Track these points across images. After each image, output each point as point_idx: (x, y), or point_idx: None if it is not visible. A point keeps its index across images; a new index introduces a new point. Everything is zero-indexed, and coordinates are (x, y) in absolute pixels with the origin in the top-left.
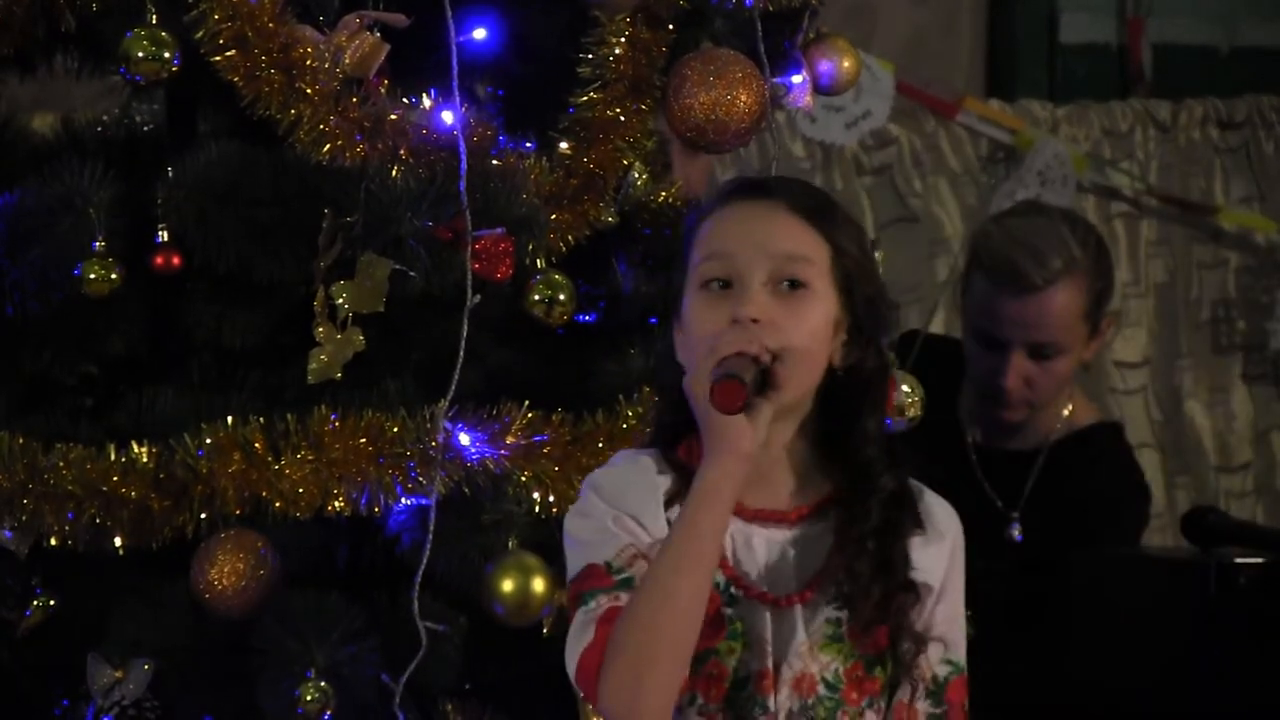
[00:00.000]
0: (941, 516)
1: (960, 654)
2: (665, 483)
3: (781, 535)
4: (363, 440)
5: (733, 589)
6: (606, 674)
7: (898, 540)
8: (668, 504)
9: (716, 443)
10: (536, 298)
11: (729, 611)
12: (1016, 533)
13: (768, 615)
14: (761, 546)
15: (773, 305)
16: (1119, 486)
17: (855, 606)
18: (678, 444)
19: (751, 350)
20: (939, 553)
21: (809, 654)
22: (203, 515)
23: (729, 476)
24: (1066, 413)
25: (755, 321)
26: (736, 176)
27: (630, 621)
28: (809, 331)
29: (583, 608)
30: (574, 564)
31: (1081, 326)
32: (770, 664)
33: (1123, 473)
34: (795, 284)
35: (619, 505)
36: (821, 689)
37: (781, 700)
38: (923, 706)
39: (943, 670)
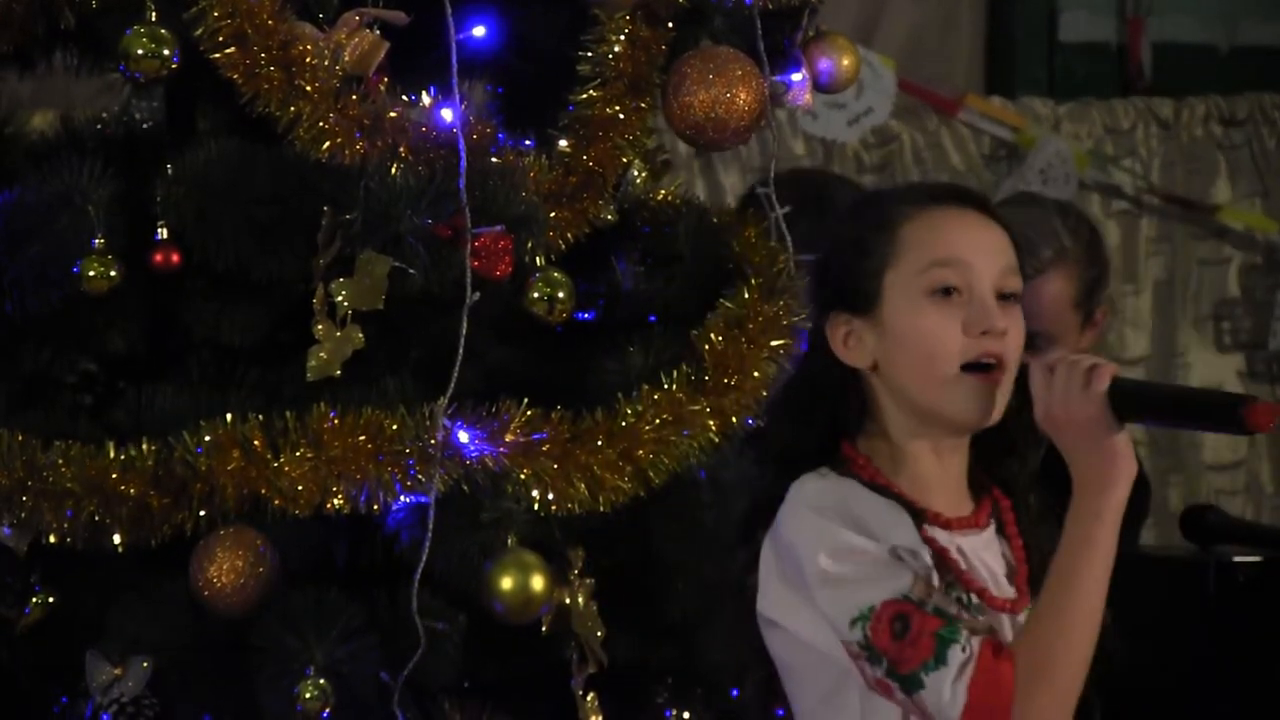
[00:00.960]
0: None
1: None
2: (893, 506)
3: (973, 540)
4: (362, 438)
5: (973, 598)
6: (1029, 703)
7: (1056, 514)
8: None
9: (1117, 467)
10: (536, 295)
11: (985, 620)
12: None
13: (1006, 621)
14: (970, 554)
15: (1002, 316)
16: None
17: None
18: (843, 463)
19: (1114, 367)
20: None
21: None
22: (202, 513)
23: (1125, 494)
24: None
25: (1004, 333)
26: (930, 181)
27: (1052, 649)
28: (1019, 344)
29: (953, 645)
30: (852, 600)
31: (1073, 315)
32: None
33: None
34: (1010, 296)
35: (884, 537)
36: None
37: None
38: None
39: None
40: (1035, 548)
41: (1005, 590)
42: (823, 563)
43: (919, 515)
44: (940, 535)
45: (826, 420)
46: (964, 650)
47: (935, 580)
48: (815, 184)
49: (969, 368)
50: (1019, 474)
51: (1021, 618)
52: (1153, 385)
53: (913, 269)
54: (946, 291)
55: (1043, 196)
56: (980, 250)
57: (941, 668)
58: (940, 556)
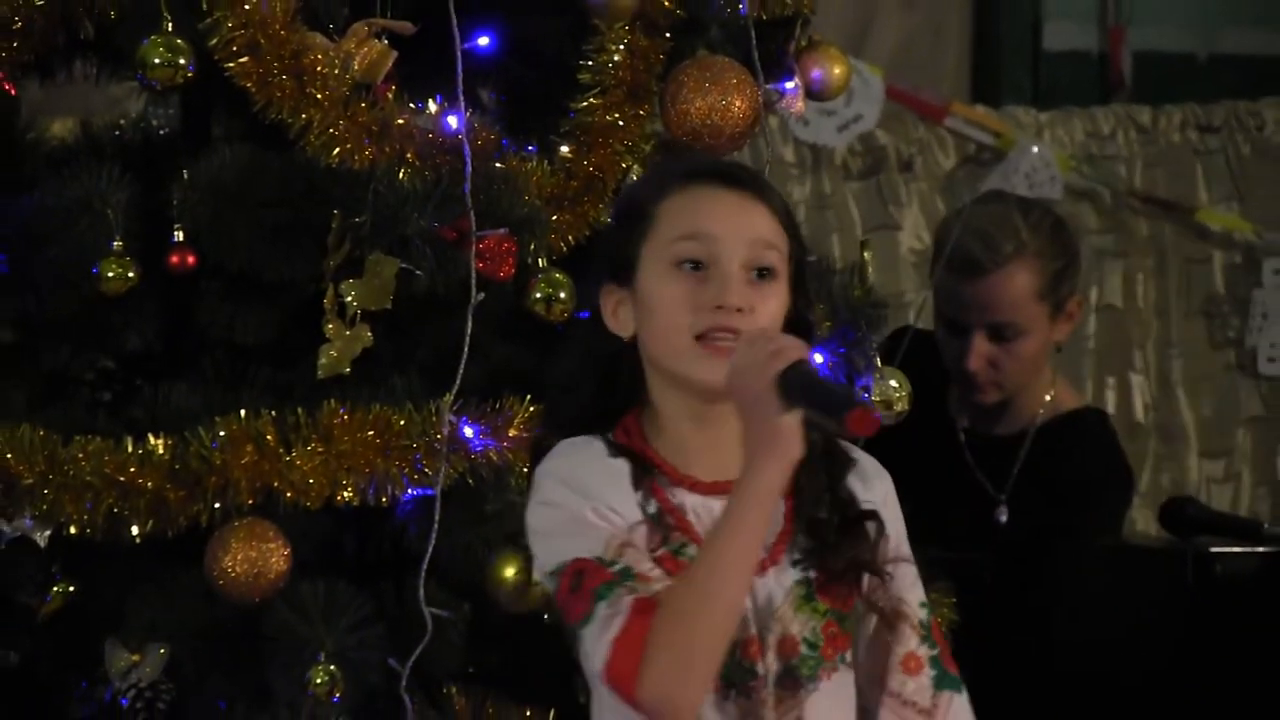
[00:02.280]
0: (871, 465)
1: (924, 597)
2: (623, 466)
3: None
4: (370, 433)
5: None
6: (651, 670)
7: (841, 480)
8: (635, 486)
9: (773, 444)
10: (538, 295)
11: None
12: (1003, 515)
13: (751, 584)
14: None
15: (748, 291)
16: (1102, 469)
17: (824, 555)
18: (612, 425)
19: (803, 352)
20: (877, 491)
21: (788, 617)
22: (216, 505)
23: (782, 477)
24: (1049, 397)
25: (740, 309)
26: (693, 159)
27: (678, 618)
28: (773, 319)
29: (603, 601)
30: (552, 557)
31: (1038, 306)
32: (755, 630)
33: (1106, 456)
34: (765, 272)
35: (590, 495)
36: (804, 648)
37: (769, 663)
38: (923, 651)
39: (922, 614)
40: (808, 500)
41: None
42: (534, 517)
43: (649, 473)
44: (685, 497)
45: (597, 392)
46: (610, 607)
47: (640, 537)
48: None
49: (701, 338)
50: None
51: (770, 579)
52: (816, 379)
53: (664, 241)
54: (696, 265)
55: (1008, 194)
56: (729, 225)
57: (590, 622)
58: (671, 516)
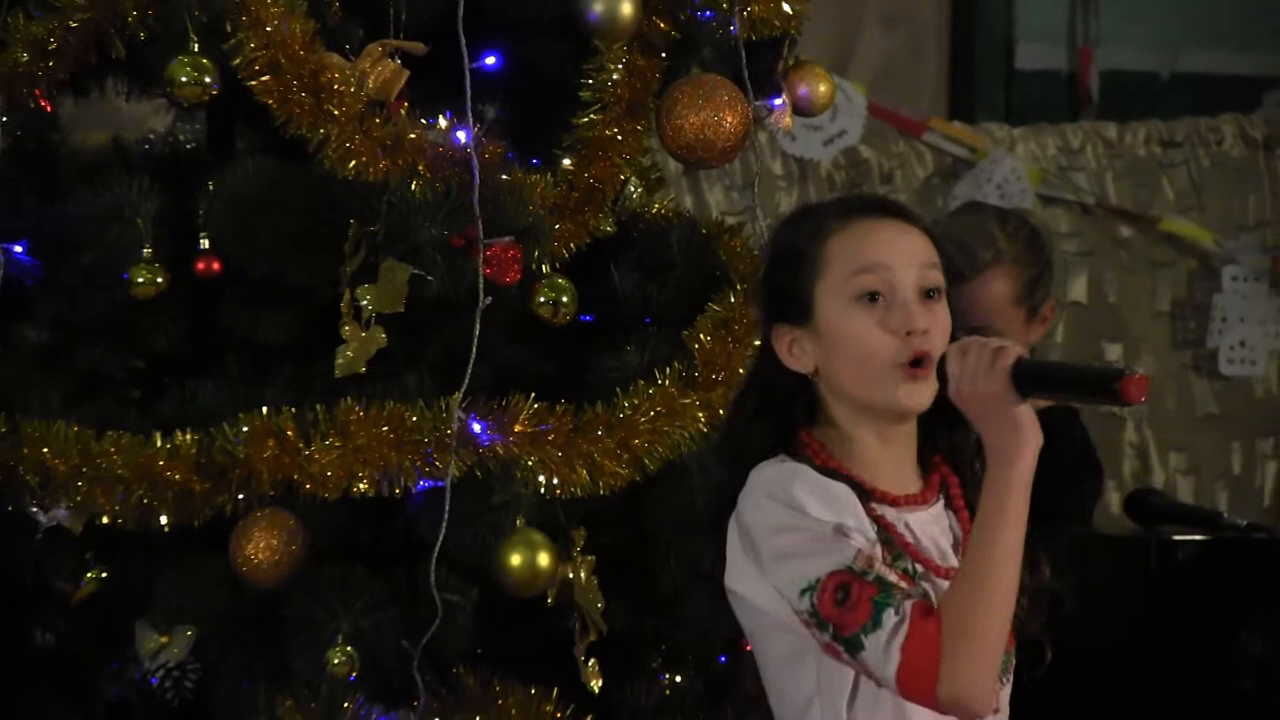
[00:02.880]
0: None
1: None
2: (843, 488)
3: (921, 516)
4: (385, 428)
5: (918, 568)
6: (950, 667)
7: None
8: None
9: (1020, 435)
10: (542, 299)
11: (925, 587)
12: None
13: (945, 586)
14: (916, 528)
15: (926, 314)
16: (1074, 464)
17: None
18: (799, 448)
19: (1019, 348)
20: None
21: None
22: (240, 496)
23: (1033, 462)
24: None
25: (925, 331)
26: (849, 194)
27: (968, 615)
28: (945, 333)
29: (887, 609)
30: (805, 570)
31: (1016, 311)
32: None
33: (1077, 451)
34: (933, 292)
35: (837, 514)
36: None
37: None
38: None
39: None
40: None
41: (950, 560)
42: (774, 541)
43: (866, 494)
44: (888, 512)
45: (777, 420)
46: (897, 614)
47: (878, 552)
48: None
49: (898, 365)
50: (962, 447)
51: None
52: (1050, 363)
53: (839, 278)
54: (872, 297)
55: (985, 205)
56: (898, 254)
57: (878, 630)
58: (887, 531)
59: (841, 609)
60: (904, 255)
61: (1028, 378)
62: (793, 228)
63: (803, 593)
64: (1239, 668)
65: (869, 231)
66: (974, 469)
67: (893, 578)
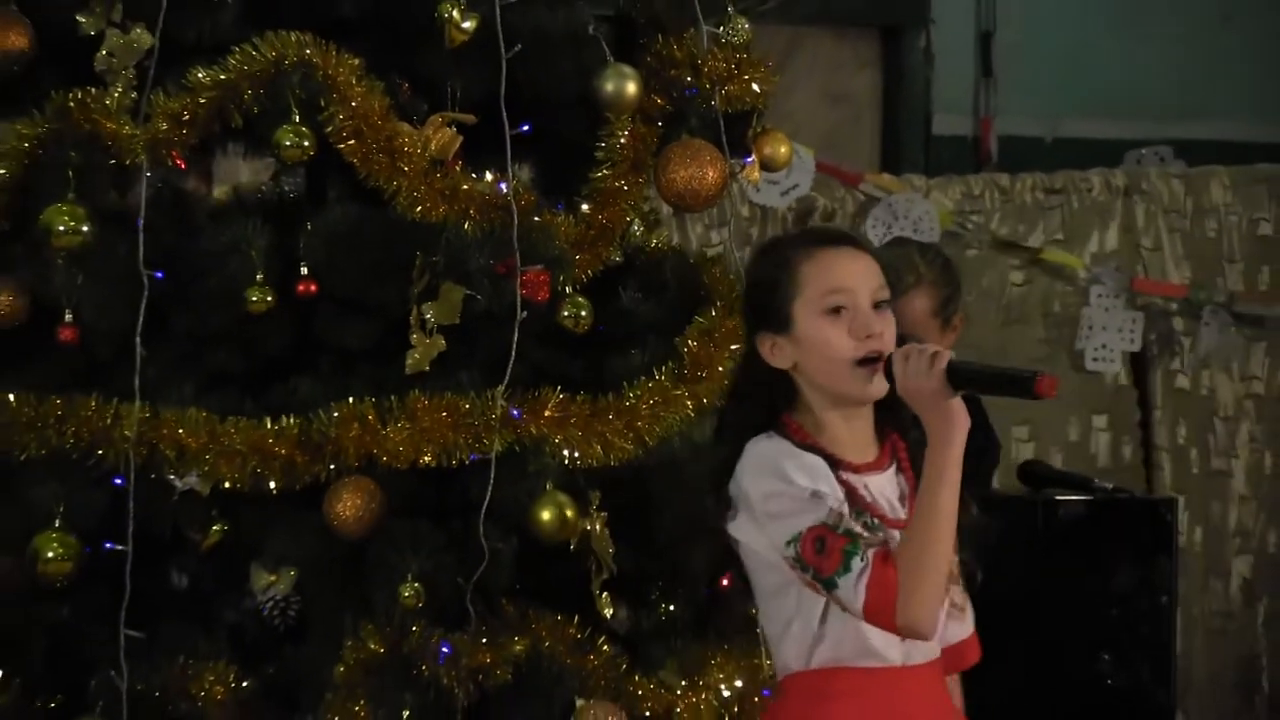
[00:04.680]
0: None
1: None
2: (817, 459)
3: (877, 479)
4: (444, 414)
5: (875, 521)
6: (905, 600)
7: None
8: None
9: (953, 421)
10: (566, 314)
11: (882, 536)
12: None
13: (898, 535)
14: (874, 489)
15: (879, 321)
16: (980, 440)
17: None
18: (784, 429)
19: (947, 351)
20: None
21: None
22: (331, 466)
23: (963, 442)
24: None
25: (878, 335)
26: (810, 228)
27: (919, 559)
28: (893, 336)
29: (855, 556)
30: (789, 526)
31: (933, 322)
32: None
33: (981, 431)
34: (882, 304)
35: (814, 480)
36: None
37: None
38: None
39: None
40: (921, 475)
41: (899, 513)
42: (767, 504)
43: (835, 464)
44: (852, 478)
45: (763, 405)
46: (862, 560)
47: (846, 510)
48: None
49: (859, 362)
50: (906, 424)
51: None
52: (976, 365)
53: (813, 297)
54: (837, 310)
55: (909, 239)
56: (857, 276)
57: (848, 573)
58: (851, 493)
59: (820, 556)
60: (860, 276)
61: (959, 376)
62: (767, 258)
63: (789, 543)
64: (1108, 599)
65: (834, 259)
66: (916, 439)
67: (858, 529)
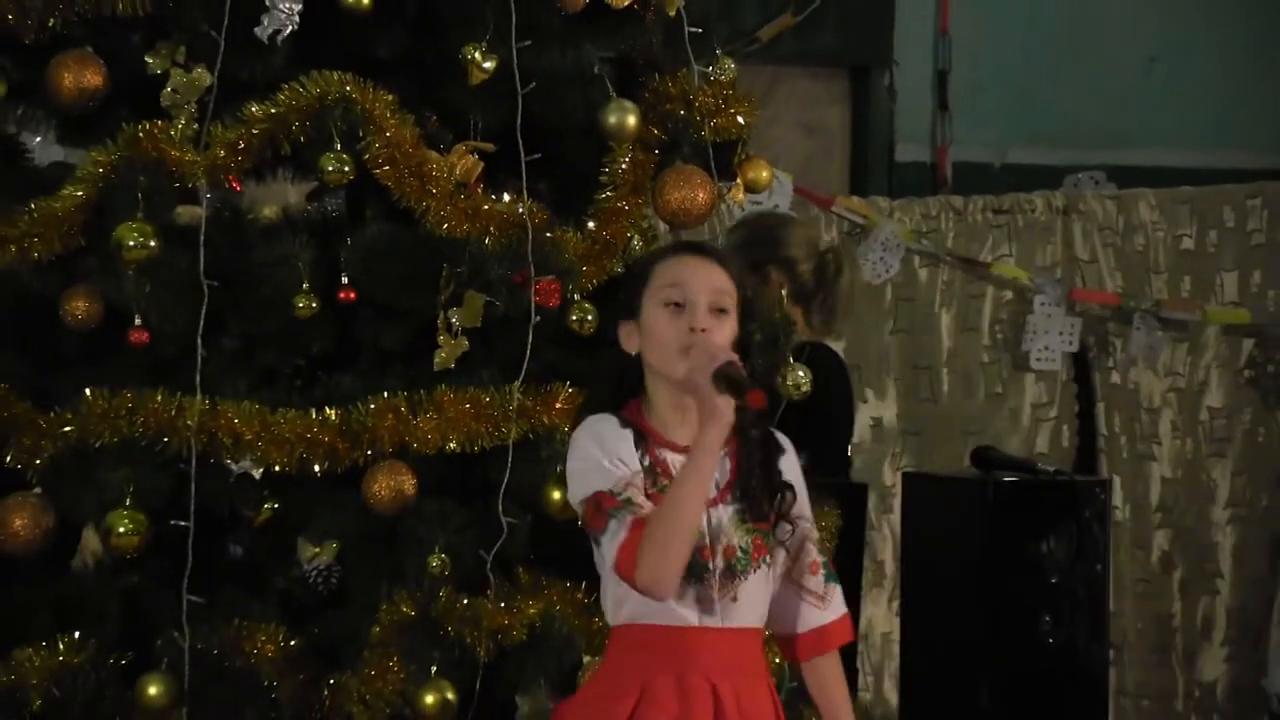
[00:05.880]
0: (788, 446)
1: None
2: (629, 434)
3: None
4: (468, 406)
5: None
6: (643, 559)
7: (772, 460)
8: (636, 446)
9: (715, 414)
10: (574, 318)
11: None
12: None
13: (706, 512)
14: None
15: (710, 321)
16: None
17: (752, 504)
18: (622, 408)
19: (733, 358)
20: (790, 465)
21: (730, 533)
22: (369, 452)
23: (720, 435)
24: None
25: (704, 330)
26: (680, 240)
27: (659, 525)
28: (726, 339)
29: (614, 519)
30: (581, 490)
31: (795, 308)
32: (708, 541)
33: (841, 406)
34: (720, 310)
35: (610, 451)
36: (739, 552)
37: (717, 561)
38: (819, 559)
39: (815, 536)
40: (746, 465)
41: (713, 493)
42: (571, 464)
43: (654, 441)
44: (669, 455)
45: (614, 385)
46: (619, 524)
47: (638, 481)
48: (770, 225)
49: (681, 350)
50: (742, 419)
51: (719, 510)
52: (733, 374)
53: (655, 290)
54: (675, 305)
55: (804, 224)
56: (698, 279)
57: (606, 533)
58: (658, 467)
59: (594, 515)
60: (700, 280)
61: (719, 379)
62: (638, 259)
63: (581, 501)
64: (1048, 567)
65: (681, 263)
66: (749, 434)
67: (640, 499)
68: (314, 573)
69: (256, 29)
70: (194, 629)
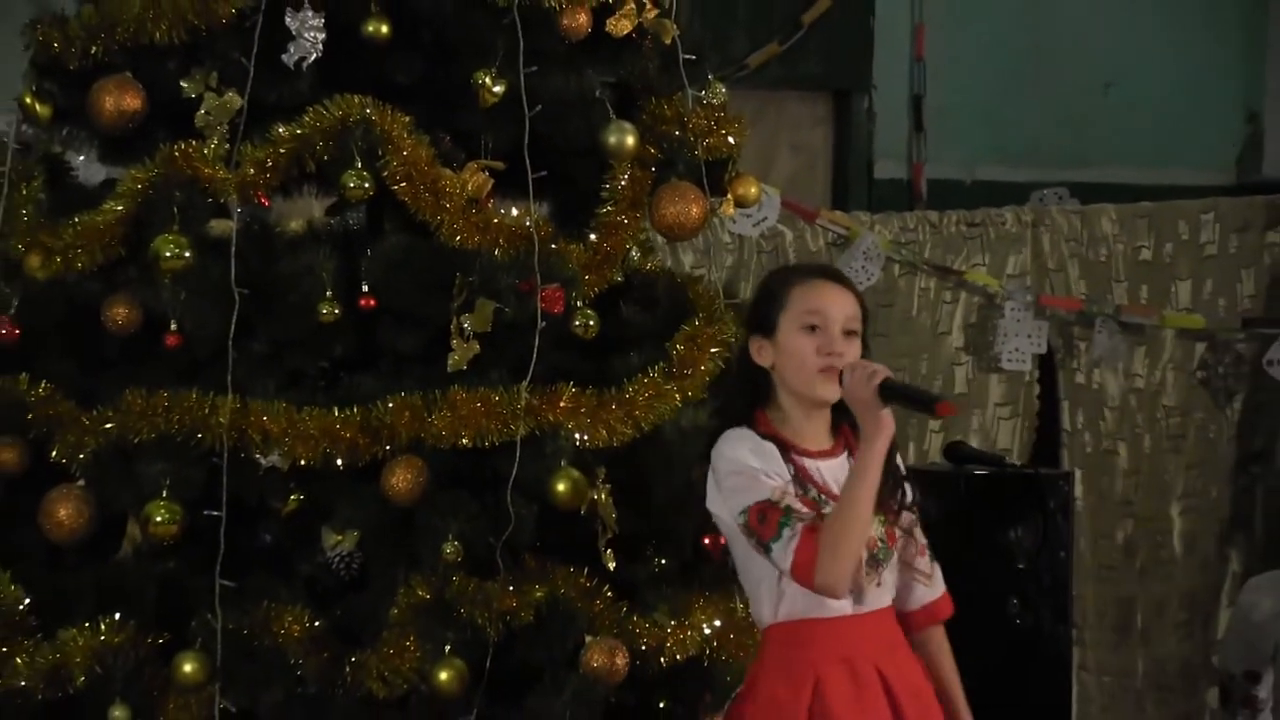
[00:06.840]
0: None
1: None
2: (772, 446)
3: (830, 464)
4: (478, 404)
5: (823, 497)
6: (821, 562)
7: (893, 456)
8: (783, 459)
9: (882, 425)
10: (577, 323)
11: (826, 511)
12: None
13: None
14: (825, 472)
15: (844, 343)
16: None
17: (881, 498)
18: (754, 421)
19: (889, 373)
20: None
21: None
22: (387, 447)
23: (886, 444)
24: None
25: (841, 354)
26: (812, 264)
27: (834, 530)
28: (855, 358)
29: (786, 528)
30: (742, 500)
31: None
32: None
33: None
34: (852, 333)
35: (765, 464)
36: (879, 543)
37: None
38: (924, 542)
39: (920, 535)
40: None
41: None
42: (726, 480)
43: (792, 450)
44: (806, 462)
45: (746, 395)
46: (792, 530)
47: (792, 489)
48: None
49: (820, 371)
50: (857, 422)
51: None
52: (901, 385)
53: (795, 313)
54: (812, 328)
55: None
56: (834, 305)
57: (780, 540)
58: (801, 474)
59: (761, 525)
60: (836, 306)
61: (887, 392)
62: (773, 277)
63: (740, 514)
64: (1015, 554)
65: (819, 288)
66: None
67: (799, 505)
68: (336, 559)
69: (284, 56)
70: (226, 611)
